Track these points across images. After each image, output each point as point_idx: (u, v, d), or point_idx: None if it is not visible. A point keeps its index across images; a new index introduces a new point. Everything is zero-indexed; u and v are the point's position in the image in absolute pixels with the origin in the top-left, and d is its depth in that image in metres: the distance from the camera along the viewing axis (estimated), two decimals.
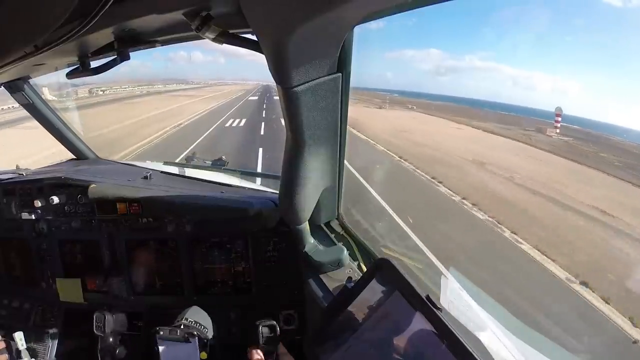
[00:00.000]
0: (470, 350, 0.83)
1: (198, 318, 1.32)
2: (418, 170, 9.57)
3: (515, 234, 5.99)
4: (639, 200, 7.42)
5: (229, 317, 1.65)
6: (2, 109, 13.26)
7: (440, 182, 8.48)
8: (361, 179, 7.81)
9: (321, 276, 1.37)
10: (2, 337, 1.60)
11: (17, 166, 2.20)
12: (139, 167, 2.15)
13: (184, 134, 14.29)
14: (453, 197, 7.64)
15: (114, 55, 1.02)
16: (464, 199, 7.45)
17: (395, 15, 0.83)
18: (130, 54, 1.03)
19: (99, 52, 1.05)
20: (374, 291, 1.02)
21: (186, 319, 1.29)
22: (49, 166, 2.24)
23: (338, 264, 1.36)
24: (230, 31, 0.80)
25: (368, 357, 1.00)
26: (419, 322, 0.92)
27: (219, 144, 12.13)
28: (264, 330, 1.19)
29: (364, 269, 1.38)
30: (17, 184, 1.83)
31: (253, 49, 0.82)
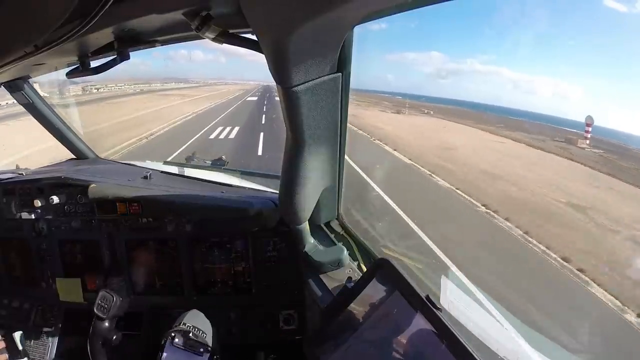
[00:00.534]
0: (470, 351, 0.83)
1: (197, 322, 1.29)
2: (530, 239, 5.66)
3: None
4: None
5: (229, 317, 1.65)
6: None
7: (592, 281, 4.68)
8: (445, 259, 4.59)
9: (321, 276, 1.37)
10: (2, 337, 1.60)
11: (17, 166, 2.20)
12: (139, 167, 2.15)
13: (147, 152, 10.68)
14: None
15: (113, 55, 1.02)
16: None
17: (396, 18, 0.83)
18: (131, 53, 1.03)
19: (99, 52, 1.05)
20: (374, 291, 1.02)
21: (184, 324, 1.26)
22: (48, 166, 2.23)
23: (338, 264, 1.36)
24: (230, 31, 0.80)
25: (368, 357, 1.00)
26: (418, 322, 0.92)
27: None
28: None
29: (364, 269, 1.38)
30: (17, 184, 1.83)
31: (253, 48, 0.82)
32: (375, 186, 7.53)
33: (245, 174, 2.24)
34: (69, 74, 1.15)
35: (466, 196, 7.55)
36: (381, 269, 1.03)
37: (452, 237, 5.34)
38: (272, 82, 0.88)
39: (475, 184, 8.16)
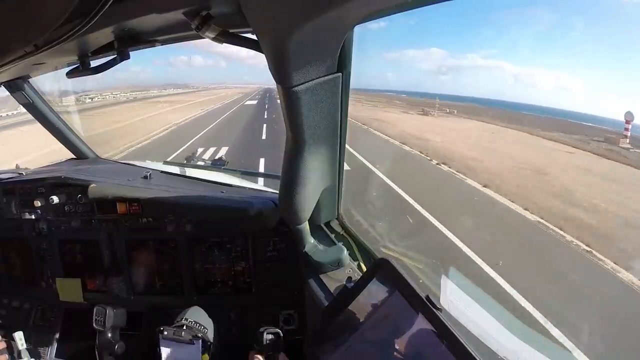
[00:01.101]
0: (470, 351, 0.83)
1: (198, 318, 1.31)
2: None
3: None
4: None
5: (229, 317, 1.65)
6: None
7: None
8: None
9: (321, 276, 1.37)
10: (2, 337, 1.60)
11: (16, 166, 2.20)
12: (139, 167, 2.15)
13: None
14: None
15: (113, 55, 1.02)
16: None
17: (396, 15, 0.83)
18: (132, 58, 1.04)
19: (99, 52, 1.05)
20: (374, 291, 1.02)
21: (186, 319, 1.28)
22: (48, 166, 2.23)
23: (338, 264, 1.36)
24: (231, 30, 0.80)
25: (368, 357, 1.00)
26: (418, 322, 0.92)
27: None
28: (268, 337, 1.16)
29: (364, 269, 1.38)
30: (17, 184, 1.83)
31: (253, 48, 0.82)
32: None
33: (245, 174, 2.24)
34: (69, 74, 1.14)
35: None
36: (381, 269, 1.03)
37: None
38: (272, 85, 0.88)
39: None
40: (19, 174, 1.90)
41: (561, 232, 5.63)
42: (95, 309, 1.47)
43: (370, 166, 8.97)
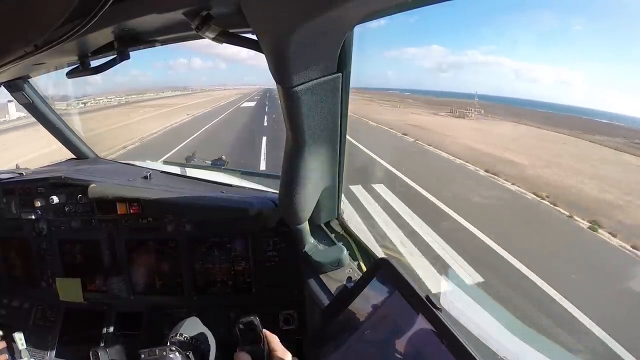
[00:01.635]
0: (470, 351, 0.83)
1: (194, 332, 1.24)
2: None
3: None
4: None
5: (229, 317, 1.65)
6: None
7: None
8: None
9: (321, 276, 1.37)
10: (2, 337, 1.60)
11: (16, 166, 2.20)
12: (139, 167, 2.15)
13: None
14: None
15: (113, 55, 1.02)
16: None
17: (396, 14, 0.83)
18: (132, 61, 1.04)
19: (99, 52, 1.05)
20: (373, 291, 1.02)
21: (181, 334, 1.21)
22: (48, 166, 2.23)
23: (338, 263, 1.36)
24: (231, 31, 0.80)
25: (368, 357, 1.00)
26: (418, 323, 0.92)
27: None
28: (241, 331, 1.02)
29: (364, 269, 1.38)
30: (17, 184, 1.83)
31: (253, 48, 0.82)
32: None
33: (245, 174, 2.24)
34: (69, 74, 1.14)
35: None
36: (381, 269, 1.03)
37: None
38: (272, 85, 0.88)
39: None
40: (19, 174, 1.90)
41: None
42: (90, 353, 1.44)
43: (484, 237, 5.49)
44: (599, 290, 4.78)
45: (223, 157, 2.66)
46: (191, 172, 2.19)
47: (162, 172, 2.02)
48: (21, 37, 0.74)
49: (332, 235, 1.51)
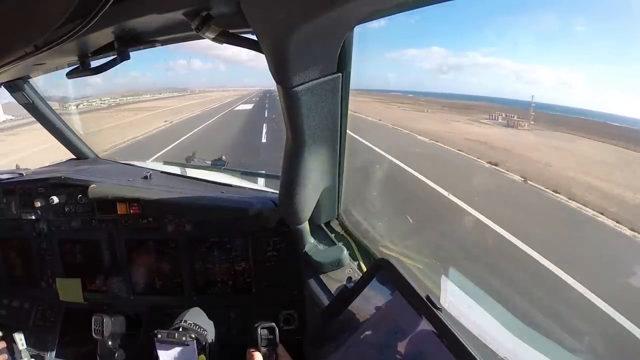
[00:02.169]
0: (470, 351, 0.83)
1: (198, 320, 1.30)
2: None
3: None
4: None
5: (229, 317, 1.65)
6: None
7: None
8: None
9: (321, 276, 1.37)
10: (2, 337, 1.60)
11: (17, 166, 2.20)
12: (139, 167, 2.15)
13: None
14: None
15: (114, 55, 1.02)
16: None
17: (396, 15, 0.83)
18: (133, 59, 1.04)
19: (99, 52, 1.05)
20: (374, 291, 1.02)
21: (185, 321, 1.27)
22: (48, 166, 2.24)
23: (338, 263, 1.36)
24: (230, 31, 0.80)
25: (368, 357, 1.00)
26: (419, 323, 0.92)
27: None
28: (263, 333, 1.15)
29: (364, 269, 1.38)
30: (17, 184, 1.83)
31: (253, 48, 0.82)
32: None
33: (245, 174, 2.24)
34: (69, 74, 1.14)
35: None
36: (381, 269, 1.03)
37: None
38: (272, 87, 0.88)
39: None
40: (19, 174, 1.90)
41: None
42: (93, 318, 1.47)
43: None
44: None
45: (223, 157, 2.66)
46: (191, 172, 2.20)
47: (162, 172, 2.02)
48: (21, 37, 0.74)
49: (332, 235, 1.51)
